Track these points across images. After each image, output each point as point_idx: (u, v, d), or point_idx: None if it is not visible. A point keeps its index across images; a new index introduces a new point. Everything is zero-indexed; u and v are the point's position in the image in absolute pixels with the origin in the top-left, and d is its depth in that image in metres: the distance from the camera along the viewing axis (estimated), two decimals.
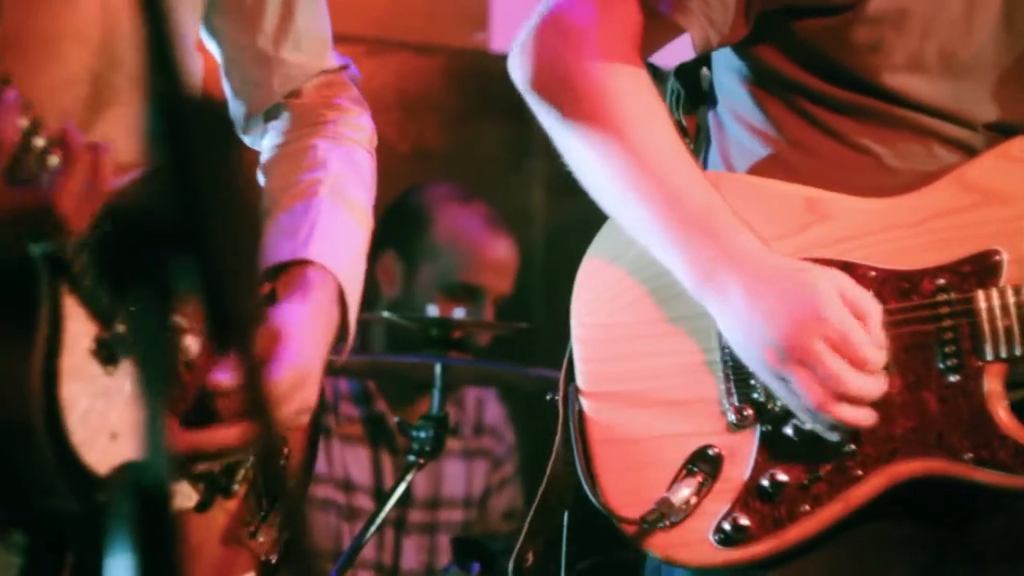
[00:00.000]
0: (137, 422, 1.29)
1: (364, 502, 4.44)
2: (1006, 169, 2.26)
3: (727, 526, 2.28)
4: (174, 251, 1.28)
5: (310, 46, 2.53)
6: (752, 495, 2.28)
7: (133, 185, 2.01)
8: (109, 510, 1.82)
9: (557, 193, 5.16)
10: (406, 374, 4.36)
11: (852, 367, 2.18)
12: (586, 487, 2.36)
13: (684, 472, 2.31)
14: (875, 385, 2.20)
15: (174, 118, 1.26)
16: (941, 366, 2.22)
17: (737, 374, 2.29)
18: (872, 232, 2.27)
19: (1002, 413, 2.20)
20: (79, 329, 2.06)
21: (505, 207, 4.74)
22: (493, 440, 4.70)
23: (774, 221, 2.30)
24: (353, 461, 4.47)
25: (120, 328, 2.08)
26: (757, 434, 2.28)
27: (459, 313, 4.23)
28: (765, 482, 2.27)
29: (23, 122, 1.92)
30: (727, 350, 2.28)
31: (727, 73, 2.43)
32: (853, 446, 2.22)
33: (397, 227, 4.50)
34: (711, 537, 2.29)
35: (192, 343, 2.21)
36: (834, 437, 2.23)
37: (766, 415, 2.28)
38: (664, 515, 2.29)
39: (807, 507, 2.25)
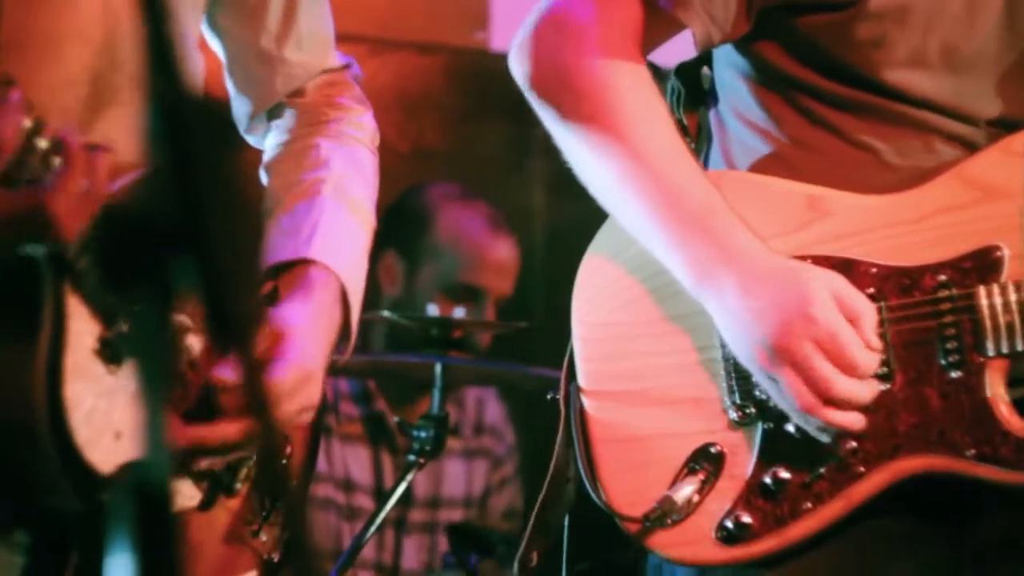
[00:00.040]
0: (140, 421, 1.30)
1: (364, 502, 4.44)
2: (1007, 165, 2.26)
3: (729, 524, 2.28)
4: (174, 251, 1.28)
5: (313, 45, 2.53)
6: (754, 493, 2.27)
7: (134, 185, 2.01)
8: (111, 510, 1.82)
9: (557, 193, 5.16)
10: (406, 374, 4.36)
11: (841, 371, 2.17)
12: (588, 486, 2.35)
13: (686, 470, 2.31)
14: (864, 389, 2.19)
15: (174, 118, 1.26)
16: (943, 362, 2.22)
17: (738, 371, 2.28)
18: (873, 228, 2.27)
19: (1004, 409, 2.20)
20: (82, 328, 2.05)
21: (506, 207, 4.73)
22: (493, 440, 4.70)
23: (775, 218, 2.30)
24: (353, 460, 4.47)
25: (123, 327, 2.08)
26: (759, 431, 2.28)
27: (459, 313, 4.23)
28: (767, 480, 2.27)
29: (26, 123, 1.93)
30: (727, 348, 2.28)
31: (728, 70, 2.43)
32: (854, 443, 2.22)
33: (398, 227, 4.49)
34: (713, 535, 2.28)
35: (195, 342, 2.21)
36: (825, 439, 2.22)
37: (768, 412, 2.27)
38: (666, 513, 2.28)
39: (809, 504, 2.25)
